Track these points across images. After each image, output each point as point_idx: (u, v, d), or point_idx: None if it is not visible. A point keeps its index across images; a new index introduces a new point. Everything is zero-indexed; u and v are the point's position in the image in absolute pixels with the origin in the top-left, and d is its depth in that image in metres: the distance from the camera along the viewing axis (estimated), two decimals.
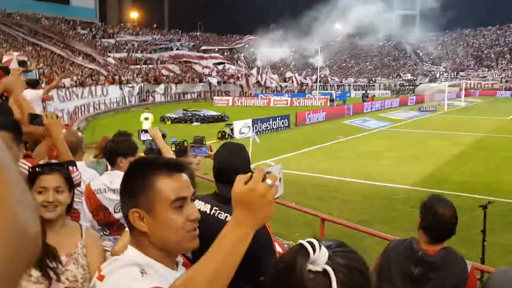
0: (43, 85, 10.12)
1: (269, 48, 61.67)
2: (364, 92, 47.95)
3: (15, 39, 39.03)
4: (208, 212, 2.09)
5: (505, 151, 14.61)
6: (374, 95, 44.02)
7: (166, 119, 24.23)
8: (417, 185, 10.09)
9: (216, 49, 65.54)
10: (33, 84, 5.50)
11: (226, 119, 24.48)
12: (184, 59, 54.43)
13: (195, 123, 23.87)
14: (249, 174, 1.05)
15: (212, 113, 25.92)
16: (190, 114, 25.08)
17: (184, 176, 1.22)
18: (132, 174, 1.24)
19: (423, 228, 2.28)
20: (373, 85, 63.97)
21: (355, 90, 60.86)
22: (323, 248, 0.87)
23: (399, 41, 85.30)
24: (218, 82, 47.61)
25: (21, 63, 7.90)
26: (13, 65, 7.68)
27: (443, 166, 12.30)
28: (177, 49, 57.40)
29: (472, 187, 9.84)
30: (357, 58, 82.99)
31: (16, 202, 0.45)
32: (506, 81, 61.86)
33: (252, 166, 2.18)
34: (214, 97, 42.01)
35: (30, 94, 4.94)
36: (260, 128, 19.53)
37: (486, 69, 67.86)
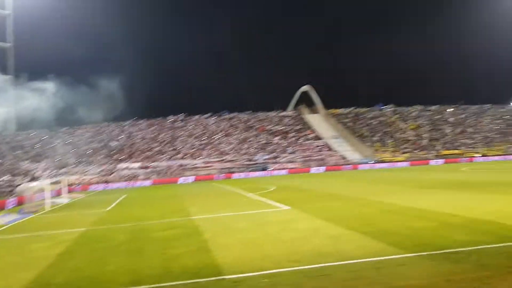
0: None
1: None
2: None
3: None
4: None
5: (106, 241, 15.54)
6: None
7: None
8: None
9: None
10: None
11: None
12: None
13: None
14: None
15: None
16: None
17: None
18: None
19: None
20: None
21: None
22: None
23: None
24: None
25: None
26: None
27: (47, 269, 11.59)
28: None
29: (77, 284, 9.75)
30: None
31: None
32: (104, 175, 68.02)
33: None
34: None
35: None
36: None
37: (87, 165, 72.38)
